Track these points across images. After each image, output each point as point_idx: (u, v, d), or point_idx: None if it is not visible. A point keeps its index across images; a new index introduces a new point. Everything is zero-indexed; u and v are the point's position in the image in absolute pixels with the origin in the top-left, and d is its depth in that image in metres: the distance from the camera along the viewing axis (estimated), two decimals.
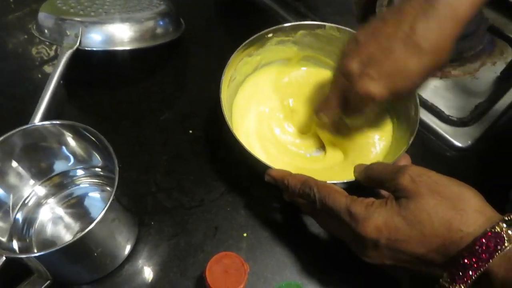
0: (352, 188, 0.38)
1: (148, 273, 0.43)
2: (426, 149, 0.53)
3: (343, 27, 0.51)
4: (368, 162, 0.38)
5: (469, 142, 0.52)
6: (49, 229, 0.44)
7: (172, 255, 0.44)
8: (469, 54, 0.60)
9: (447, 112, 0.55)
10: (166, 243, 0.45)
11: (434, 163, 0.53)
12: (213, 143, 0.52)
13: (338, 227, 0.36)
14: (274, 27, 0.50)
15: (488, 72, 0.60)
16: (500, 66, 0.60)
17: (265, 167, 0.41)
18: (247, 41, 0.49)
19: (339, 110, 0.43)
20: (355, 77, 0.38)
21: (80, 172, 0.46)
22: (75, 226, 0.44)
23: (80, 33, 0.50)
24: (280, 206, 0.47)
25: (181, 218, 0.47)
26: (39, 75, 0.60)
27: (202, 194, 0.48)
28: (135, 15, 0.53)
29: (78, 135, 0.41)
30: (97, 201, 0.46)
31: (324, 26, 0.51)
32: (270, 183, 0.41)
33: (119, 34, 0.51)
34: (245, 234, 0.46)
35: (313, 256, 0.44)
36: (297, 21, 0.64)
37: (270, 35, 0.51)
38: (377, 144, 0.48)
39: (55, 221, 0.44)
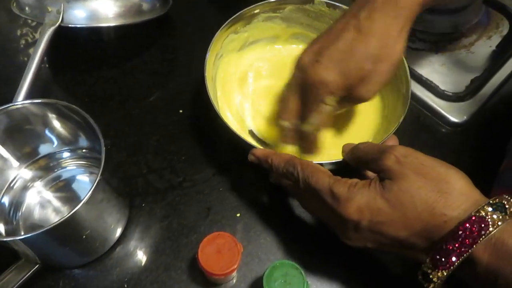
0: (340, 169, 0.38)
1: (140, 255, 0.42)
2: (421, 125, 0.52)
3: (332, 2, 0.49)
4: (356, 141, 0.38)
5: (465, 117, 0.52)
6: (37, 213, 0.42)
7: (164, 237, 0.43)
8: (464, 28, 0.59)
9: (442, 87, 0.54)
10: (158, 225, 0.44)
11: (429, 139, 0.52)
12: (203, 123, 0.51)
13: (320, 208, 0.34)
14: (261, 2, 0.49)
15: (484, 46, 0.59)
16: (495, 40, 0.59)
17: (250, 147, 0.40)
18: (232, 17, 0.47)
19: (299, 114, 0.41)
20: (306, 66, 0.39)
21: (66, 154, 0.44)
22: (64, 209, 0.43)
23: (62, 9, 0.48)
24: (273, 187, 0.46)
25: (173, 199, 0.46)
26: (24, 58, 0.57)
27: (194, 174, 0.47)
28: None
29: (62, 115, 0.39)
30: (85, 184, 0.45)
31: (313, 0, 0.49)
32: (254, 163, 0.40)
33: (103, 9, 0.49)
34: (238, 215, 0.45)
35: (307, 235, 0.44)
36: None
37: (257, 10, 0.49)
38: (366, 123, 0.47)
39: (42, 205, 0.43)
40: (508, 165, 0.41)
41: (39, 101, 0.37)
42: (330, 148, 0.44)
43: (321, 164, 0.37)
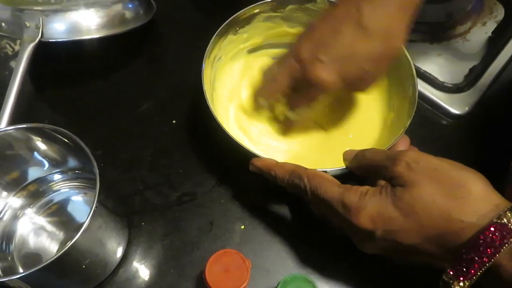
0: (344, 175, 0.36)
1: (143, 277, 0.41)
2: (421, 119, 0.51)
3: (334, 0, 0.47)
4: (361, 146, 0.36)
5: (466, 108, 0.50)
6: (32, 242, 0.40)
7: (167, 256, 0.41)
8: (458, 16, 0.58)
9: (441, 78, 0.52)
10: (159, 244, 0.42)
11: (431, 133, 0.51)
12: (199, 132, 0.49)
13: (333, 216, 0.33)
14: (260, 2, 0.46)
15: (479, 33, 0.58)
16: (490, 26, 0.58)
17: (250, 155, 0.38)
18: (231, 18, 0.45)
19: (284, 95, 0.41)
20: (307, 62, 0.37)
21: (57, 176, 0.42)
22: (60, 234, 0.41)
23: (41, 24, 0.45)
24: (276, 194, 0.45)
25: (173, 216, 0.44)
26: (5, 72, 0.55)
27: (193, 187, 0.45)
28: None
29: (50, 138, 0.37)
30: (79, 205, 0.43)
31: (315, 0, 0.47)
32: (256, 173, 0.38)
33: (84, 21, 0.47)
34: (242, 227, 0.43)
35: (315, 245, 0.42)
36: None
37: (256, 10, 0.47)
38: (369, 126, 0.46)
39: (36, 232, 0.41)
40: None
41: (25, 126, 0.35)
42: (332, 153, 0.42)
43: (325, 172, 0.35)
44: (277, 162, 0.37)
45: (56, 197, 0.43)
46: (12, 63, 0.55)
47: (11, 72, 0.54)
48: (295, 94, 0.40)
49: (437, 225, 0.28)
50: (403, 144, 0.39)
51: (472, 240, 0.27)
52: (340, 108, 0.47)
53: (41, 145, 0.38)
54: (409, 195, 0.28)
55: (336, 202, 0.31)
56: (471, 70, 0.53)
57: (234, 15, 0.45)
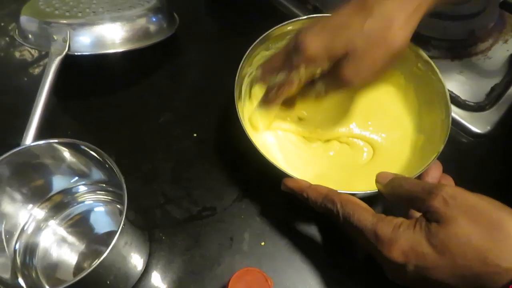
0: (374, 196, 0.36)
1: None
2: None
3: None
4: (390, 168, 0.36)
5: (488, 127, 0.50)
6: (54, 253, 0.41)
7: (187, 271, 0.42)
8: (480, 33, 0.58)
9: (462, 96, 0.52)
10: (180, 258, 0.42)
11: (453, 151, 0.50)
12: (220, 146, 0.49)
13: (365, 244, 0.33)
14: (295, 19, 0.46)
15: (501, 50, 0.57)
16: None
17: (282, 175, 0.38)
18: (265, 34, 0.45)
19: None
20: (299, 32, 0.38)
21: (82, 188, 0.43)
22: (81, 245, 0.42)
23: (68, 37, 0.46)
24: (296, 210, 0.45)
25: (193, 230, 0.44)
26: (25, 79, 0.56)
27: (213, 201, 0.46)
28: (125, 13, 0.49)
29: (76, 151, 0.37)
30: (101, 216, 0.43)
31: None
32: (282, 190, 0.39)
33: (110, 35, 0.47)
34: (262, 243, 0.43)
35: (336, 263, 0.42)
36: (296, 6, 0.61)
37: (290, 27, 0.46)
38: (398, 147, 0.45)
39: (59, 244, 0.41)
40: None
41: (55, 141, 0.35)
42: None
43: (354, 195, 0.35)
44: (310, 184, 0.37)
45: (79, 209, 0.43)
46: (31, 70, 0.56)
47: (29, 78, 0.55)
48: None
49: (472, 266, 0.27)
50: (436, 170, 0.39)
51: (506, 286, 0.26)
52: (368, 127, 0.47)
53: (68, 156, 0.38)
54: (444, 232, 0.28)
55: (369, 232, 0.31)
56: (492, 88, 0.53)
57: (267, 32, 0.45)
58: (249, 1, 0.63)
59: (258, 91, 0.45)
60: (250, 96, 0.47)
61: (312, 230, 0.44)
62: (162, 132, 0.51)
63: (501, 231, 0.27)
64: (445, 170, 0.40)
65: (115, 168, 0.33)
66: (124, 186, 0.33)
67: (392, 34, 0.35)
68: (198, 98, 0.54)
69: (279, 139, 0.47)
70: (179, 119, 0.52)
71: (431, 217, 0.29)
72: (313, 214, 0.43)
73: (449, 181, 0.39)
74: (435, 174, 0.39)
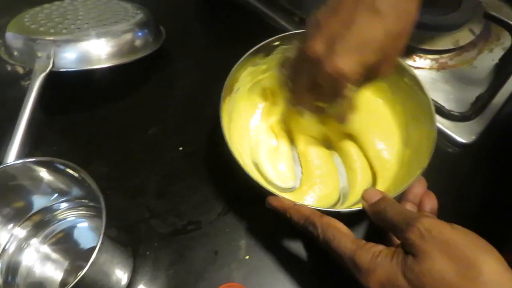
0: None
1: None
2: None
3: None
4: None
5: (473, 137, 0.50)
6: (37, 271, 0.40)
7: (171, 286, 0.41)
8: (465, 43, 0.58)
9: (447, 106, 0.52)
10: (164, 274, 0.42)
11: (438, 161, 0.49)
12: (207, 160, 0.49)
13: (345, 267, 0.33)
14: (281, 35, 0.46)
15: (486, 60, 0.58)
16: (497, 53, 0.58)
17: (266, 192, 0.38)
18: (251, 50, 0.45)
19: (314, 97, 0.40)
20: (322, 58, 0.35)
21: (63, 205, 0.42)
22: (65, 262, 0.41)
23: (52, 54, 0.46)
24: (286, 227, 0.45)
25: (178, 244, 0.44)
26: (12, 95, 0.55)
27: (198, 215, 0.46)
28: (111, 28, 0.50)
29: (53, 169, 0.37)
30: (85, 231, 0.43)
31: None
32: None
33: (95, 51, 0.48)
34: (247, 257, 0.43)
35: (322, 279, 0.42)
36: (283, 18, 0.62)
37: (277, 42, 0.47)
38: (385, 161, 0.45)
39: (42, 261, 0.41)
40: None
41: (31, 160, 0.35)
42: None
43: (339, 212, 0.35)
44: (294, 204, 0.37)
45: (61, 226, 0.43)
46: (18, 85, 0.57)
47: (16, 94, 0.55)
48: (320, 95, 0.39)
49: None
50: (419, 187, 0.39)
51: None
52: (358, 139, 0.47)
53: (46, 176, 0.38)
54: (419, 268, 0.28)
55: (348, 259, 0.31)
56: (477, 98, 0.53)
57: (254, 48, 0.45)
58: (237, 14, 0.63)
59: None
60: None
61: (297, 245, 0.44)
62: (150, 145, 0.51)
63: (474, 270, 0.26)
64: (432, 181, 0.40)
65: (94, 186, 0.33)
66: (103, 205, 0.33)
67: (406, 22, 0.35)
68: (186, 111, 0.54)
69: (268, 146, 0.47)
70: (167, 132, 0.52)
71: (408, 249, 0.29)
72: (298, 229, 0.43)
73: (431, 198, 0.39)
74: (418, 190, 0.39)
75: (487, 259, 0.27)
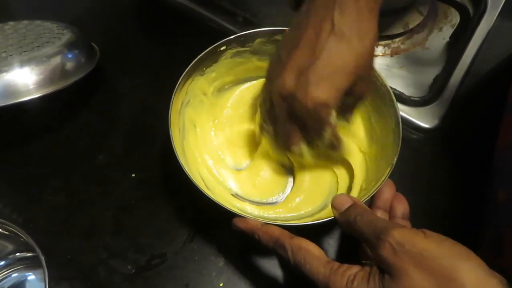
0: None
1: None
2: None
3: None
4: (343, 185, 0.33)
5: (436, 121, 0.49)
6: None
7: None
8: (414, 25, 0.57)
9: (406, 92, 0.51)
10: None
11: (403, 150, 0.48)
12: (162, 185, 0.45)
13: None
14: (227, 39, 0.43)
15: (437, 39, 0.57)
16: (447, 31, 0.57)
17: (231, 214, 0.35)
18: (196, 59, 0.41)
19: (303, 135, 0.38)
20: (296, 92, 0.34)
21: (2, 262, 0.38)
22: None
23: None
24: (255, 245, 0.41)
25: (144, 283, 0.40)
26: None
27: (162, 247, 0.42)
28: (35, 53, 0.44)
29: None
30: (35, 284, 0.39)
31: (284, 31, 0.44)
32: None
33: (21, 81, 0.42)
34: (221, 284, 0.40)
35: None
36: (226, 20, 0.58)
37: (223, 47, 0.43)
38: (353, 160, 0.43)
39: None
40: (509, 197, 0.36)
41: None
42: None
43: (308, 225, 0.32)
44: (262, 225, 0.34)
45: (8, 283, 0.38)
46: None
47: None
48: (305, 131, 0.38)
49: None
50: (388, 192, 0.37)
51: None
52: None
53: None
54: (396, 287, 0.26)
55: (321, 285, 0.29)
56: (435, 79, 0.52)
57: (198, 57, 0.42)
58: (176, 20, 0.59)
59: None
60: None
61: (272, 264, 0.41)
62: (98, 177, 0.46)
63: (455, 282, 0.24)
64: (400, 171, 0.38)
65: (30, 241, 0.29)
66: (43, 259, 0.29)
67: (370, 42, 0.34)
68: (133, 133, 0.49)
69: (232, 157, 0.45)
70: (115, 159, 0.47)
71: (383, 268, 0.27)
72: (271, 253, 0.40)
73: (401, 202, 0.37)
74: (387, 196, 0.37)
75: (466, 268, 0.25)
